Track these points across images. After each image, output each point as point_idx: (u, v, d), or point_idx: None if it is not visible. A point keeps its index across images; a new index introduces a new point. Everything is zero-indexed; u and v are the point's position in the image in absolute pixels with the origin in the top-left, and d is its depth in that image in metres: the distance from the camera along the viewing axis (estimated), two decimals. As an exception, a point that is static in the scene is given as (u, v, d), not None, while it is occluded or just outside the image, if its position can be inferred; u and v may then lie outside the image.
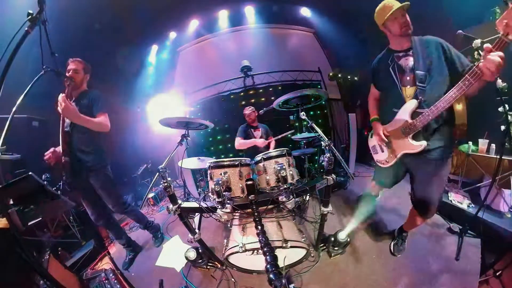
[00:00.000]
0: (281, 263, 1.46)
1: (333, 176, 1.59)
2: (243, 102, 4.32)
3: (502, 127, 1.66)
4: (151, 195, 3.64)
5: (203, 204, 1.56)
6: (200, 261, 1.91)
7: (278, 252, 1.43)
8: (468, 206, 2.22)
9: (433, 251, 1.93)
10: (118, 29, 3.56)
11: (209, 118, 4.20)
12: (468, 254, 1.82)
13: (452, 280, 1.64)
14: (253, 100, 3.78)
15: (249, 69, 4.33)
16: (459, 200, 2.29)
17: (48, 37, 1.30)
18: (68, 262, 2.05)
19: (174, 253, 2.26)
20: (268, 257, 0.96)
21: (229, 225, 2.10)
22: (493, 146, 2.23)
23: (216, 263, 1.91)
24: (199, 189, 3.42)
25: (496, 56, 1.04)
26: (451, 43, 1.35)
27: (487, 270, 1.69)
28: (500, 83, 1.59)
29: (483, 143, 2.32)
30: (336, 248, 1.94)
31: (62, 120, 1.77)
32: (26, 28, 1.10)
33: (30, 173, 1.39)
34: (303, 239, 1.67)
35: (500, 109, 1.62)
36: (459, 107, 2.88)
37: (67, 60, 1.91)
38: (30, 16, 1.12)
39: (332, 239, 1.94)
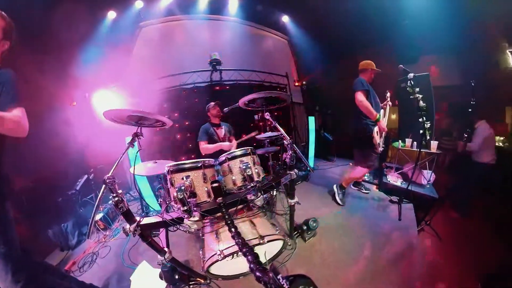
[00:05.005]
0: (263, 259, 1.47)
1: (296, 170, 1.72)
2: (207, 98, 3.70)
3: (421, 131, 2.46)
4: (99, 216, 2.71)
5: (167, 217, 1.35)
6: (180, 282, 1.68)
7: (257, 249, 1.44)
8: (401, 183, 3.14)
9: (382, 217, 2.53)
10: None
11: (167, 113, 3.69)
12: (407, 215, 2.50)
13: (400, 234, 2.23)
14: (218, 97, 3.41)
15: (219, 63, 4.03)
16: (394, 180, 3.23)
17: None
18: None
19: (146, 283, 1.86)
20: (249, 256, 0.94)
21: (200, 234, 1.98)
22: (415, 143, 3.32)
23: (198, 279, 1.73)
24: (159, 200, 2.95)
25: (381, 125, 2.52)
26: (395, 73, 2.63)
27: (421, 222, 2.43)
28: (421, 103, 2.40)
29: (408, 141, 3.44)
30: (309, 233, 2.10)
31: None
32: None
33: None
34: (277, 232, 1.72)
35: (420, 120, 2.41)
36: (393, 116, 4.30)
37: None
38: None
39: (304, 226, 2.09)
